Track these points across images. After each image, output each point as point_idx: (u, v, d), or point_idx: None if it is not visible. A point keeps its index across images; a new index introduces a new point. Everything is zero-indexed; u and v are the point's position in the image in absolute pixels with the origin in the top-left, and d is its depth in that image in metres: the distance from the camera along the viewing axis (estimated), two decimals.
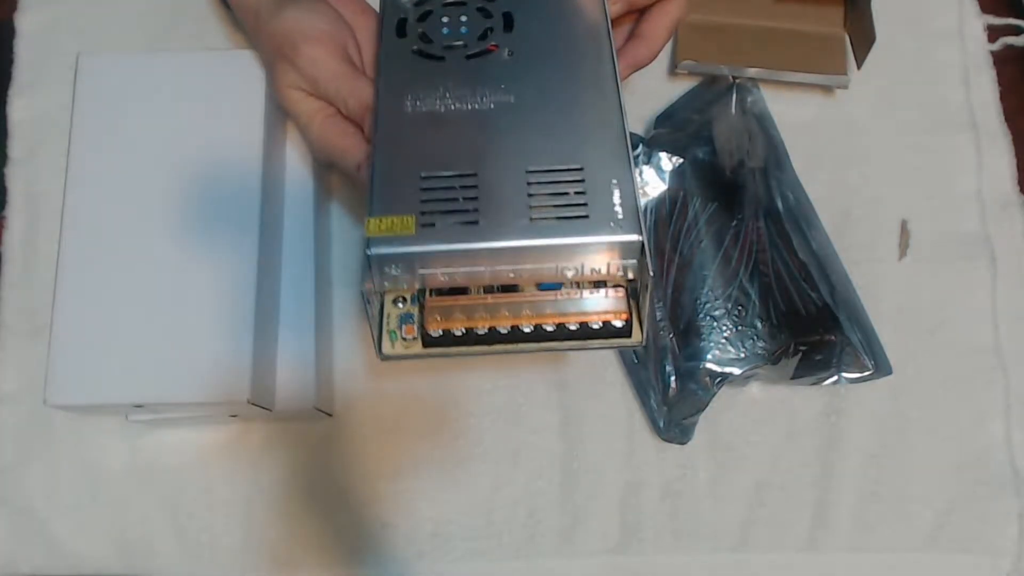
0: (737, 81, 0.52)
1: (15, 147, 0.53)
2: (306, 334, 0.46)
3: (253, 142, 0.44)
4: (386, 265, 0.33)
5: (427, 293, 0.35)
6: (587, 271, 0.34)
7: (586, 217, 0.33)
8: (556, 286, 0.35)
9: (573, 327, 0.35)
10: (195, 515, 0.47)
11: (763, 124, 0.52)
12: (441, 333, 0.35)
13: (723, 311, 0.48)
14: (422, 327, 0.35)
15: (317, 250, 0.48)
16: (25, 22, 0.55)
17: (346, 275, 0.51)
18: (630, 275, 0.34)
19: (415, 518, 0.48)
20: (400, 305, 0.36)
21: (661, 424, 0.48)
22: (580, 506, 0.48)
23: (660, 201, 0.50)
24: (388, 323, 0.35)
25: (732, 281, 0.48)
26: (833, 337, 0.47)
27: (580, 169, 0.35)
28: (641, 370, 0.48)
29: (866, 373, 0.47)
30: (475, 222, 0.33)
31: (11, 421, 0.49)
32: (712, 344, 0.47)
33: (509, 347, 0.35)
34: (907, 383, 0.49)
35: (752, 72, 0.53)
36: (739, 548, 0.47)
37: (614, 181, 0.34)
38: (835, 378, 0.47)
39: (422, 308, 0.35)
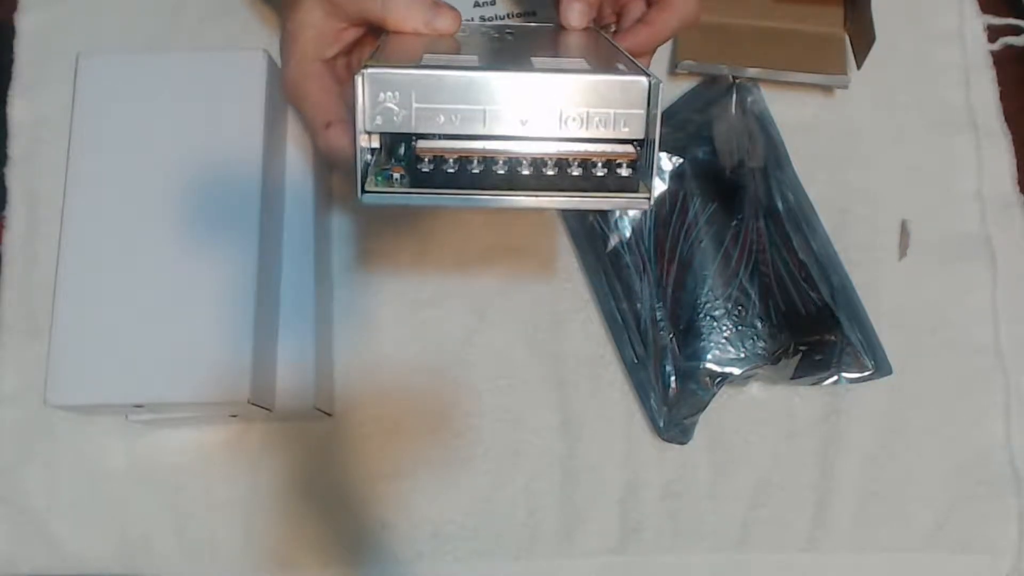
0: (737, 81, 0.52)
1: (15, 147, 0.53)
2: (306, 334, 0.46)
3: (253, 142, 0.44)
4: (382, 90, 0.31)
5: (415, 134, 0.33)
6: (591, 121, 0.32)
7: (591, 67, 0.32)
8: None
9: (575, 171, 0.33)
10: (195, 515, 0.47)
11: (763, 124, 0.52)
12: (432, 167, 0.32)
13: (723, 311, 0.48)
14: (411, 164, 0.32)
15: (317, 250, 0.48)
16: (25, 22, 0.55)
17: (346, 275, 0.51)
18: (636, 133, 0.32)
19: (415, 518, 0.48)
20: (385, 143, 0.33)
21: (661, 424, 0.48)
22: (580, 506, 0.48)
23: (660, 201, 0.50)
24: (371, 162, 0.33)
25: (732, 281, 0.48)
26: (833, 337, 0.47)
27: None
28: (641, 370, 0.48)
29: (866, 373, 0.47)
30: (474, 62, 0.32)
31: (11, 421, 0.49)
32: (712, 344, 0.47)
33: (504, 196, 0.33)
34: (907, 383, 0.49)
35: (752, 72, 0.53)
36: (739, 548, 0.47)
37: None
38: (835, 378, 0.47)
39: (412, 144, 0.33)
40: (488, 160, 0.32)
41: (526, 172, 0.32)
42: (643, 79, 0.31)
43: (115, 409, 0.44)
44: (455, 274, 0.51)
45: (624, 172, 0.33)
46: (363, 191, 0.32)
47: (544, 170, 0.32)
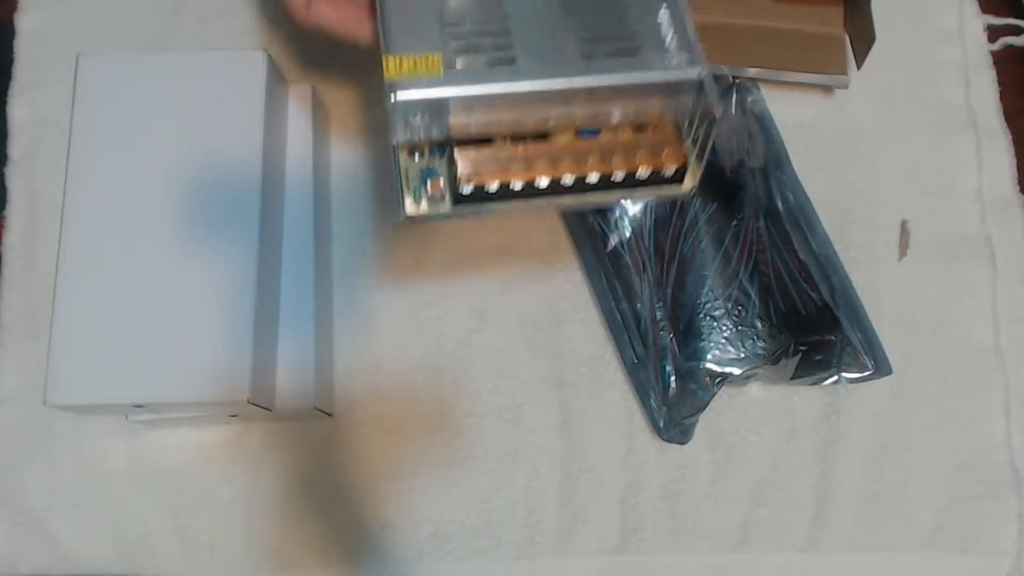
0: (737, 81, 0.52)
1: (15, 147, 0.53)
2: (306, 334, 0.46)
3: (253, 142, 0.44)
4: (411, 113, 0.29)
5: (451, 144, 0.31)
6: (635, 114, 0.31)
7: (636, 52, 0.30)
8: (596, 132, 0.32)
9: (619, 177, 0.31)
10: (195, 515, 0.47)
11: (763, 124, 0.52)
12: (473, 189, 0.31)
13: (723, 311, 0.48)
14: (452, 183, 0.31)
15: (317, 250, 0.48)
16: (25, 22, 0.55)
17: (346, 275, 0.51)
18: (685, 117, 0.31)
19: (415, 518, 0.48)
20: (418, 159, 0.31)
21: (661, 424, 0.48)
22: (580, 506, 0.48)
23: (660, 201, 0.50)
24: (408, 180, 0.31)
25: (732, 281, 0.48)
26: (833, 337, 0.47)
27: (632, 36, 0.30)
28: (641, 370, 0.48)
29: (866, 373, 0.47)
30: (511, 61, 0.29)
31: (11, 421, 0.49)
32: (712, 344, 0.47)
33: (547, 201, 0.31)
34: (907, 383, 0.49)
35: (752, 72, 0.53)
36: (739, 548, 0.47)
37: (662, 7, 0.31)
38: (835, 378, 0.47)
39: (450, 161, 0.31)
40: (529, 181, 0.31)
41: (567, 182, 0.31)
42: (695, 72, 0.30)
43: (115, 409, 0.44)
44: (455, 274, 0.51)
45: (669, 172, 0.32)
46: (405, 215, 0.31)
47: (585, 179, 0.31)
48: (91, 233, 0.43)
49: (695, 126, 0.32)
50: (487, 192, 0.31)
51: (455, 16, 0.30)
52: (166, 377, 0.41)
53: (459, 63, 0.29)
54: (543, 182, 0.31)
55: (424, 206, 0.31)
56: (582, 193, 0.32)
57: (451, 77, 0.29)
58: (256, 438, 0.49)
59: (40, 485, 0.48)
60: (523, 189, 0.31)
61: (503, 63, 0.29)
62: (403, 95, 0.29)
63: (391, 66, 0.29)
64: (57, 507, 0.48)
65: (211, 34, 0.55)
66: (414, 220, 0.32)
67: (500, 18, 0.30)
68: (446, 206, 0.31)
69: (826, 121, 0.54)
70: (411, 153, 0.31)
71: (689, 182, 0.32)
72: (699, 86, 0.30)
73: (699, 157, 0.32)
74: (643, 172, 0.31)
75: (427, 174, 0.31)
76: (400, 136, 0.30)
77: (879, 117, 0.54)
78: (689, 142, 0.32)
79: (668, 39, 0.30)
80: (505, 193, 0.31)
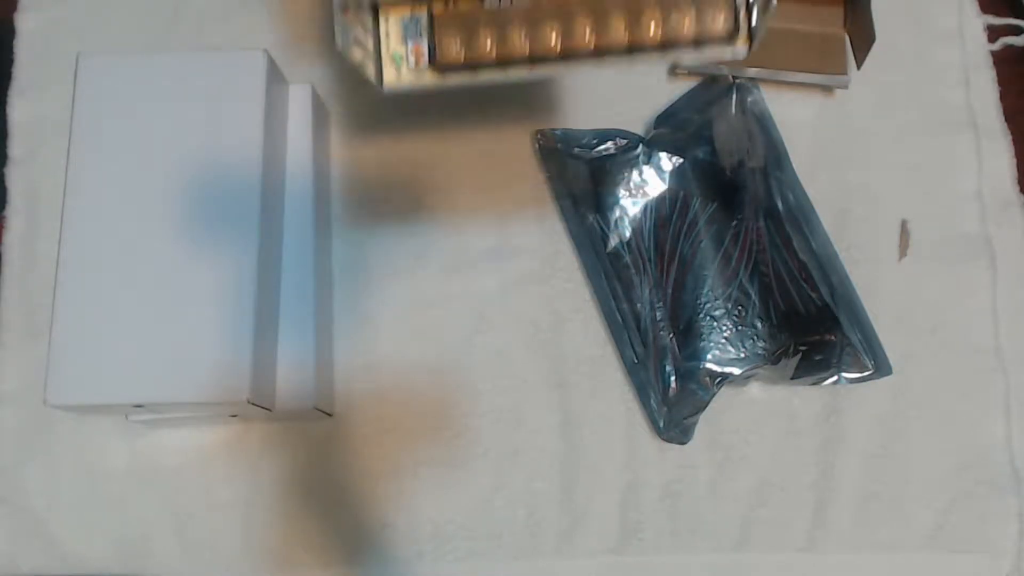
0: (737, 81, 0.52)
1: (15, 147, 0.53)
2: (306, 334, 0.46)
3: (253, 142, 0.44)
4: None
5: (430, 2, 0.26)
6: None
7: None
8: None
9: (650, 37, 0.26)
10: (195, 515, 0.47)
11: (763, 124, 0.52)
12: (464, 59, 0.26)
13: (723, 311, 0.48)
14: (433, 49, 0.26)
15: (317, 250, 0.48)
16: (25, 22, 0.55)
17: (346, 275, 0.51)
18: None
19: (415, 518, 0.48)
20: (402, 18, 0.26)
21: (661, 424, 0.48)
22: (580, 506, 0.48)
23: (660, 201, 0.50)
24: (388, 42, 0.26)
25: (732, 281, 0.48)
26: (833, 337, 0.47)
27: None
28: (641, 370, 0.48)
29: (866, 373, 0.47)
30: None
31: (11, 421, 0.49)
32: (712, 344, 0.47)
33: (553, 68, 0.26)
34: (907, 383, 0.49)
35: (752, 72, 0.53)
36: (739, 548, 0.47)
37: None
38: (835, 378, 0.47)
39: (431, 20, 0.26)
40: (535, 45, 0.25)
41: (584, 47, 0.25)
42: None
43: (115, 409, 0.44)
44: (455, 274, 0.51)
45: (720, 30, 0.25)
46: (384, 85, 0.26)
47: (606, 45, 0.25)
48: (91, 233, 0.43)
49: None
50: (479, 60, 0.26)
51: None
52: (166, 377, 0.41)
53: None
54: (548, 44, 0.25)
55: (407, 75, 0.26)
56: (599, 57, 0.26)
57: None
58: (256, 438, 0.49)
59: (40, 485, 0.48)
60: (527, 54, 0.26)
61: None
62: None
63: None
64: (57, 507, 0.48)
65: (211, 34, 0.55)
66: (397, 91, 0.27)
67: None
68: (430, 77, 0.26)
69: (826, 121, 0.54)
70: (382, 13, 0.26)
71: (742, 44, 0.26)
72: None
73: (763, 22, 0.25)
74: (687, 31, 0.26)
75: (408, 32, 0.26)
76: None
77: (879, 117, 0.54)
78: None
79: None
80: (503, 60, 0.26)
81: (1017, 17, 0.57)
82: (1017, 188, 0.53)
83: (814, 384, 0.48)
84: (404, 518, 0.48)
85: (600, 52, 0.26)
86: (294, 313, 0.46)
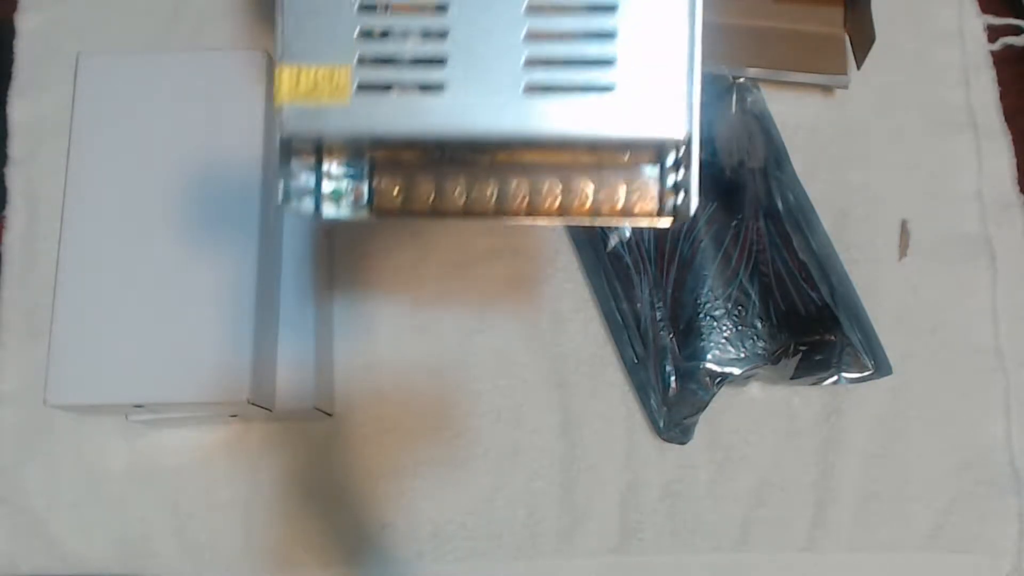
0: (737, 81, 0.52)
1: (15, 147, 0.53)
2: (306, 334, 0.46)
3: (253, 142, 0.44)
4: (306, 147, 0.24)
5: (371, 159, 0.26)
6: (603, 159, 0.26)
7: (610, 89, 0.24)
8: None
9: (578, 207, 0.27)
10: (195, 515, 0.47)
11: (763, 124, 0.52)
12: (400, 206, 0.26)
13: (723, 311, 0.48)
14: (374, 193, 0.26)
15: (317, 250, 0.48)
16: (25, 22, 0.55)
17: (346, 275, 0.51)
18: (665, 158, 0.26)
19: (415, 518, 0.48)
20: (345, 161, 0.26)
21: (661, 424, 0.48)
22: (580, 506, 0.48)
23: None
24: (329, 180, 0.27)
25: (732, 281, 0.48)
26: (833, 337, 0.47)
27: (612, 8, 0.24)
28: (641, 370, 0.48)
29: (866, 373, 0.47)
30: (439, 86, 0.23)
31: (11, 421, 0.49)
32: (712, 344, 0.47)
33: (486, 219, 0.27)
34: (907, 383, 0.49)
35: (752, 72, 0.53)
36: (739, 548, 0.47)
37: (662, 20, 0.24)
38: (835, 378, 0.47)
39: (372, 168, 0.26)
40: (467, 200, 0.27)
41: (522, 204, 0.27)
42: (681, 134, 0.24)
43: (115, 409, 0.44)
44: (455, 274, 0.51)
45: (642, 219, 0.27)
46: (322, 217, 0.27)
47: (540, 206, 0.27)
48: (91, 233, 0.43)
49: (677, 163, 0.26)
50: (415, 209, 0.27)
51: None
52: (166, 377, 0.41)
53: (373, 78, 0.23)
54: (484, 202, 0.27)
55: (345, 209, 0.27)
56: (531, 216, 0.27)
57: (359, 108, 0.23)
58: (256, 438, 0.49)
59: (40, 485, 0.48)
60: (462, 207, 0.27)
61: (430, 88, 0.23)
62: (296, 126, 0.23)
63: (285, 83, 0.23)
64: (57, 507, 0.48)
65: (211, 34, 0.55)
66: (334, 221, 0.28)
67: (438, 4, 0.24)
68: (366, 215, 0.27)
69: (826, 121, 0.54)
70: (329, 150, 0.27)
71: (667, 221, 0.27)
72: (685, 143, 0.24)
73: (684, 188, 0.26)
74: (614, 206, 0.27)
75: (350, 175, 0.27)
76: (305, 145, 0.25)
77: (879, 117, 0.54)
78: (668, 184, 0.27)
79: (659, 73, 0.24)
80: (438, 209, 0.27)
81: (1017, 17, 0.57)
82: (1017, 188, 0.53)
83: (814, 384, 0.48)
84: (404, 518, 0.48)
85: (532, 212, 0.27)
86: (294, 313, 0.46)
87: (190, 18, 0.55)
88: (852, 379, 0.47)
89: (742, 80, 0.53)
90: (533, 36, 0.24)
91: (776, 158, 0.51)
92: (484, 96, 0.23)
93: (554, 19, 0.24)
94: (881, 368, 0.48)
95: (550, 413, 0.49)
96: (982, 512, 0.48)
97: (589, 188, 0.27)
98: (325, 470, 0.48)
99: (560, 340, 0.50)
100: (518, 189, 0.27)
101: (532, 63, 0.24)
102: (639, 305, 0.48)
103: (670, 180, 0.27)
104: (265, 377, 0.44)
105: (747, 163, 0.51)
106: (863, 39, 0.51)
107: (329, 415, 0.48)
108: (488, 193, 0.27)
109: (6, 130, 0.54)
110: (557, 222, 0.29)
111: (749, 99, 0.52)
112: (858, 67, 0.52)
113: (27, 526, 0.47)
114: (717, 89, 0.53)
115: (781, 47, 0.53)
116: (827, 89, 0.54)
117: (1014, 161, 0.54)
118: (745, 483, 0.48)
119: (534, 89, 0.24)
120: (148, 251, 0.43)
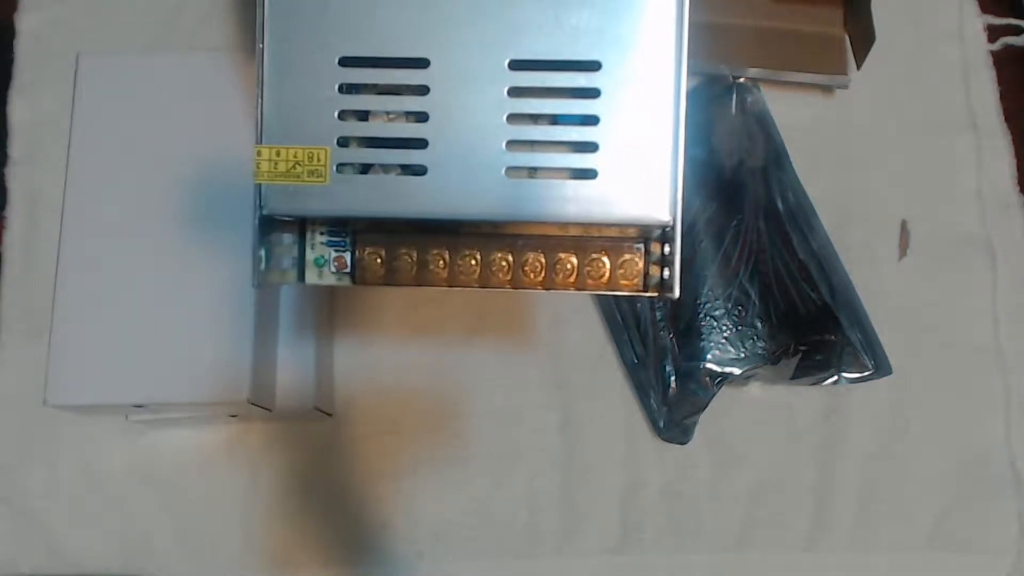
0: (737, 81, 0.52)
1: (15, 147, 0.53)
2: (306, 334, 0.46)
3: (253, 142, 0.44)
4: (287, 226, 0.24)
5: (352, 232, 0.26)
6: (588, 232, 0.26)
7: (594, 174, 0.24)
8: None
9: (561, 281, 0.28)
10: (195, 515, 0.47)
11: (763, 124, 0.52)
12: (383, 278, 0.27)
13: (723, 311, 0.48)
14: (356, 264, 0.27)
15: None
16: (25, 22, 0.55)
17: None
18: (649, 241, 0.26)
19: (415, 518, 0.48)
20: (322, 235, 0.27)
21: (661, 424, 0.48)
22: (580, 506, 0.48)
23: None
24: (313, 249, 0.27)
25: (732, 281, 0.48)
26: (833, 337, 0.47)
27: (597, 68, 0.24)
28: (641, 370, 0.48)
29: (866, 373, 0.47)
30: (422, 171, 0.23)
31: (11, 421, 0.49)
32: (712, 344, 0.47)
33: (469, 289, 0.28)
34: (907, 383, 0.49)
35: (752, 72, 0.53)
36: (739, 548, 0.47)
37: (646, 103, 0.24)
38: (835, 378, 0.47)
39: (354, 240, 0.27)
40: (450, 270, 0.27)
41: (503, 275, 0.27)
42: (665, 218, 0.24)
43: (115, 409, 0.44)
44: None
45: (625, 292, 0.28)
46: (305, 283, 0.28)
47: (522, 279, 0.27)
48: (91, 233, 0.43)
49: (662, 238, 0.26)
50: (398, 281, 0.28)
51: (358, 76, 0.23)
52: (166, 377, 0.41)
53: (353, 159, 0.23)
54: (468, 274, 0.27)
55: (328, 278, 0.28)
56: (515, 288, 0.28)
57: (339, 189, 0.23)
58: (256, 438, 0.49)
59: (40, 485, 0.48)
60: (446, 279, 0.27)
61: (410, 171, 0.23)
62: (276, 206, 0.23)
63: (263, 164, 0.23)
64: (57, 507, 0.48)
65: (210, 35, 0.55)
66: (317, 285, 0.29)
67: (420, 69, 0.23)
68: (348, 283, 0.28)
69: (826, 121, 0.54)
70: (312, 223, 0.27)
71: (652, 294, 0.27)
72: (670, 227, 0.24)
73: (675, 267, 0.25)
74: (599, 280, 0.27)
75: (333, 244, 0.27)
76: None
77: (879, 117, 0.54)
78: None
79: (644, 158, 0.23)
80: (421, 281, 0.27)
81: (1017, 17, 0.57)
82: (1017, 188, 0.53)
83: (814, 384, 0.48)
84: (404, 518, 0.48)
85: (516, 285, 0.27)
86: (294, 313, 0.46)
87: (190, 18, 0.55)
88: (852, 379, 0.47)
89: (742, 80, 0.53)
90: (515, 119, 0.24)
91: (776, 158, 0.51)
92: (466, 178, 0.23)
93: (537, 102, 0.24)
94: (881, 368, 0.48)
95: (550, 413, 0.49)
96: (982, 512, 0.48)
97: (573, 261, 0.27)
98: (325, 470, 0.48)
99: (560, 340, 0.50)
100: (501, 262, 0.27)
101: (514, 146, 0.23)
102: (639, 305, 0.48)
103: (655, 255, 0.27)
104: (265, 377, 0.44)
105: (747, 163, 0.51)
106: (863, 39, 0.51)
107: (329, 415, 0.48)
108: (472, 264, 0.27)
109: (6, 130, 0.54)
110: (542, 292, 0.28)
111: (749, 99, 0.52)
112: (858, 67, 0.52)
113: (27, 526, 0.47)
114: (717, 89, 0.53)
115: (781, 47, 0.53)
116: (827, 89, 0.54)
117: (1014, 161, 0.54)
118: (745, 483, 0.48)
119: (517, 171, 0.23)
120: (148, 251, 0.43)
